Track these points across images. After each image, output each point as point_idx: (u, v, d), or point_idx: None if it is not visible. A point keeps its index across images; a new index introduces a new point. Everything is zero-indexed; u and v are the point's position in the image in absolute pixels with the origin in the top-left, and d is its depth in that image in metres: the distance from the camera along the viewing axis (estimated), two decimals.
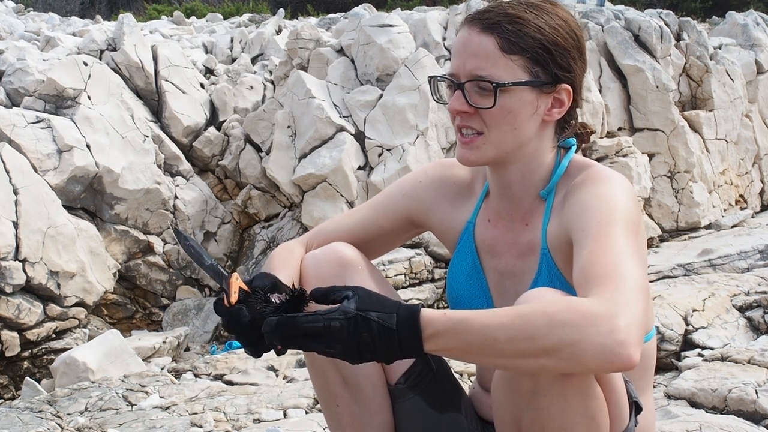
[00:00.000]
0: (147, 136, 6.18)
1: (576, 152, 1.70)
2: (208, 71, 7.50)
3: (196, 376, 4.27)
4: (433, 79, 1.67)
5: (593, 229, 1.46)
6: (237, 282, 1.47)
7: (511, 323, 1.30)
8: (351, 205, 5.88)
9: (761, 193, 8.12)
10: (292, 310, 1.43)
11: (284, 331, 1.32)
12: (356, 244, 1.80)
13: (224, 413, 3.30)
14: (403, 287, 5.47)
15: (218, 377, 4.19)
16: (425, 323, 1.31)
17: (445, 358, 1.85)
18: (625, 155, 6.50)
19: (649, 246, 6.49)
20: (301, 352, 1.79)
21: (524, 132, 1.60)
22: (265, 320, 1.34)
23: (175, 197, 6.19)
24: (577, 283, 1.41)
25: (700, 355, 3.53)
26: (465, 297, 1.76)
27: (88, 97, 6.06)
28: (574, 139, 1.70)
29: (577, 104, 1.65)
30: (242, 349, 4.92)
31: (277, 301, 1.44)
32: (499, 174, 1.68)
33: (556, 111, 1.61)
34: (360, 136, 6.11)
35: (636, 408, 1.59)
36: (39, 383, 4.57)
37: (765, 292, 4.19)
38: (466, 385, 3.27)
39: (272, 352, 1.42)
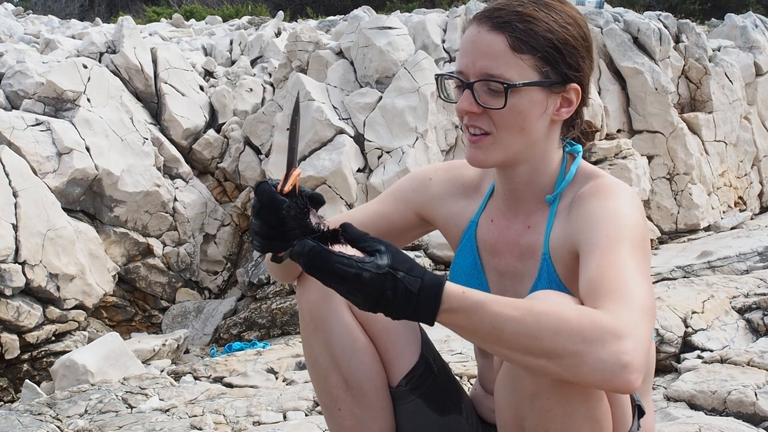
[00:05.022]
0: (146, 139, 6.18)
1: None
2: (208, 74, 7.51)
3: (196, 378, 4.27)
4: (440, 77, 1.65)
5: (602, 243, 1.45)
6: (297, 178, 1.43)
7: (521, 318, 1.30)
8: (350, 207, 5.88)
9: (760, 194, 8.13)
10: (321, 238, 1.41)
11: (314, 259, 1.30)
12: None
13: (224, 415, 3.30)
14: None
15: (218, 379, 4.20)
16: (444, 297, 1.31)
17: (445, 360, 1.85)
18: (624, 157, 6.50)
19: None
20: (301, 354, 1.80)
21: (533, 133, 1.58)
22: (301, 240, 1.32)
23: (175, 200, 6.19)
24: (585, 294, 1.40)
25: (699, 357, 3.53)
26: None
27: (88, 100, 6.06)
28: (580, 146, 1.69)
29: (584, 103, 1.63)
30: (242, 351, 4.93)
31: (313, 222, 1.41)
32: (507, 176, 1.66)
33: (565, 110, 1.60)
34: (359, 139, 6.12)
35: (639, 411, 1.59)
36: (38, 386, 4.57)
37: (764, 294, 4.19)
38: (467, 387, 3.28)
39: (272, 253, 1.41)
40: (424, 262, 5.64)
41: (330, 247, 1.36)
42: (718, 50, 8.09)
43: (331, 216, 6.14)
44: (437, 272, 5.60)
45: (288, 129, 1.50)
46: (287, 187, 1.40)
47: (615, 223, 1.48)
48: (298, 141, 1.50)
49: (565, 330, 1.29)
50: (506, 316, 1.30)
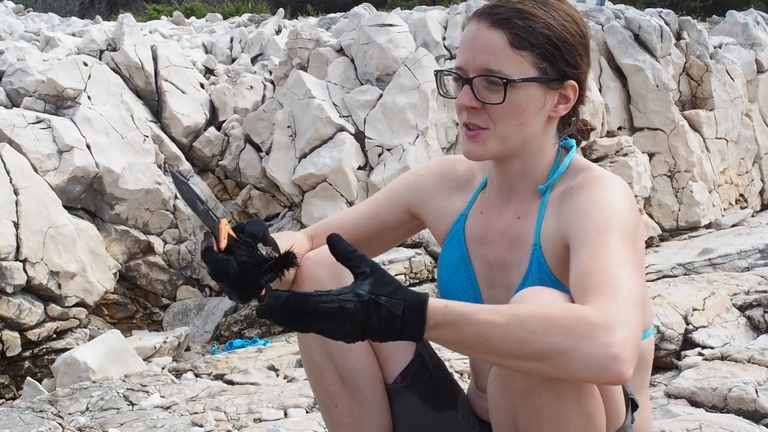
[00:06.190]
0: (147, 136, 6.18)
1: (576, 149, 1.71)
2: (208, 71, 7.51)
3: (197, 375, 4.27)
4: (439, 74, 1.67)
5: (591, 236, 1.46)
6: (226, 228, 1.46)
7: (506, 323, 1.30)
8: (351, 205, 5.88)
9: (761, 192, 8.12)
10: (278, 268, 1.42)
11: (295, 306, 1.29)
12: (360, 238, 1.81)
13: (225, 413, 3.30)
14: None
15: (219, 377, 4.20)
16: (429, 314, 1.32)
17: (441, 357, 1.86)
18: (625, 155, 6.50)
19: (649, 245, 6.49)
20: (299, 354, 1.80)
21: (530, 128, 1.60)
22: (272, 293, 1.31)
23: (176, 197, 6.19)
24: (574, 289, 1.41)
25: (700, 354, 3.54)
26: (454, 290, 1.76)
27: (88, 98, 6.06)
28: (573, 141, 1.70)
29: (581, 101, 1.65)
30: (243, 348, 4.93)
31: (265, 253, 1.42)
32: (502, 168, 1.68)
33: (562, 107, 1.62)
34: (360, 136, 6.12)
35: (632, 405, 1.60)
36: (40, 383, 4.57)
37: (765, 291, 4.19)
38: (465, 384, 3.28)
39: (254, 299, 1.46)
40: (424, 259, 5.64)
41: (287, 271, 1.40)
42: (720, 47, 8.08)
43: (330, 214, 6.16)
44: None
45: (187, 202, 1.57)
46: (222, 244, 1.45)
47: (604, 215, 1.49)
48: (203, 202, 1.55)
49: (551, 330, 1.29)
50: (492, 323, 1.31)
